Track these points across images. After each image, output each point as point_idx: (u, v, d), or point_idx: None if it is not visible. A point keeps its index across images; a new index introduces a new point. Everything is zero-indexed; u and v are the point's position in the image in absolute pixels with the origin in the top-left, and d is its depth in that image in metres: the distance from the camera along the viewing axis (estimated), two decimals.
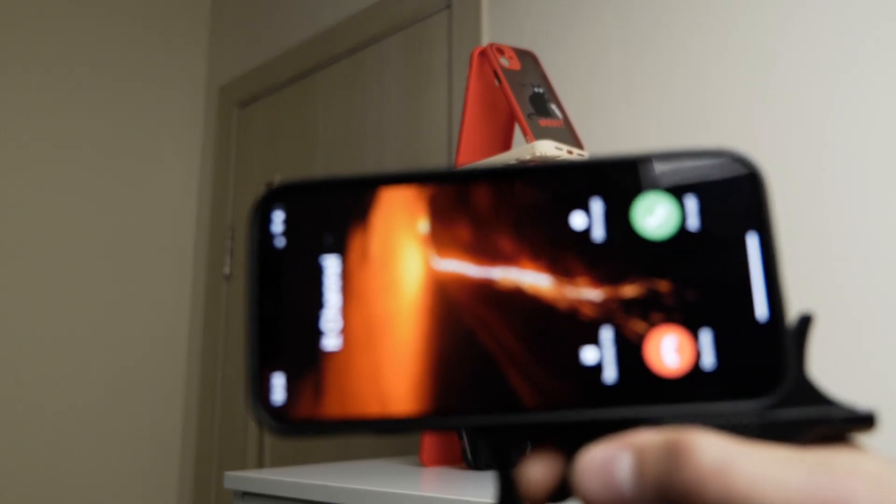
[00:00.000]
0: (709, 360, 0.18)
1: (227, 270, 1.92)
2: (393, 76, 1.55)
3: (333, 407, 0.19)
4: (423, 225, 0.19)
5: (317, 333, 0.19)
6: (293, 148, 1.79)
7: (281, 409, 0.19)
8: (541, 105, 0.86)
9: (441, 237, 0.19)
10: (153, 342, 1.91)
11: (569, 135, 0.86)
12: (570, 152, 0.82)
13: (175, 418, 1.93)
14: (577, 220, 0.19)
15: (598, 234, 0.19)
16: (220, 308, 1.91)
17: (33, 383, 1.69)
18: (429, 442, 0.86)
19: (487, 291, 0.19)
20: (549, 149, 0.80)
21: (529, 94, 0.87)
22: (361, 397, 0.18)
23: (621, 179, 0.19)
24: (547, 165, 0.19)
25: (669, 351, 0.18)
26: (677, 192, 0.19)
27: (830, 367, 0.88)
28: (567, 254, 0.19)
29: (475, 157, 0.92)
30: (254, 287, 0.20)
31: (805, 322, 0.19)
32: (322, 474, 0.75)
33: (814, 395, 0.19)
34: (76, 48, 1.86)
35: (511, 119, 0.97)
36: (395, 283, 0.19)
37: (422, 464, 0.86)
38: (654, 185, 0.19)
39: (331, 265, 0.19)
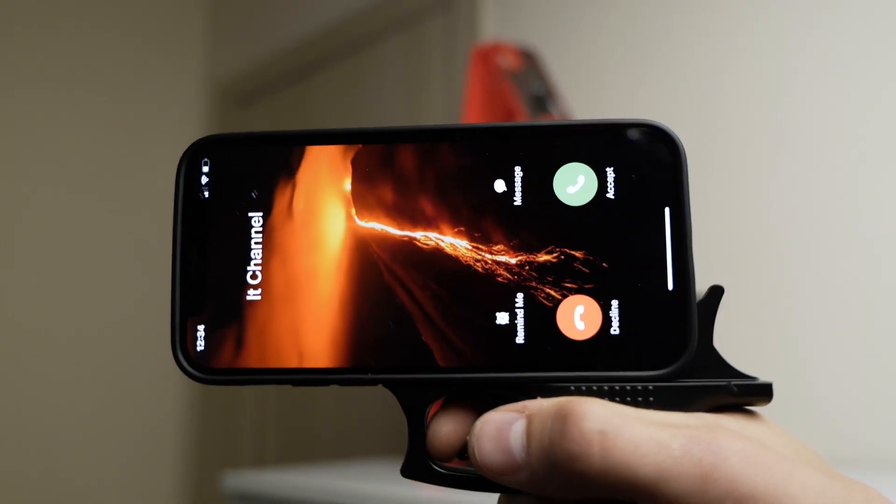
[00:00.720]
0: (615, 329, 0.18)
1: None
2: (393, 76, 1.55)
3: (252, 358, 0.19)
4: (347, 184, 0.19)
5: (239, 286, 0.19)
6: None
7: (201, 358, 0.19)
8: (541, 104, 0.86)
9: (365, 196, 0.19)
10: (152, 342, 1.91)
11: None
12: None
13: (174, 418, 1.93)
14: (499, 186, 0.19)
15: (519, 201, 0.19)
16: None
17: (33, 383, 1.69)
18: None
19: (407, 251, 0.19)
20: None
21: (530, 94, 0.86)
22: (280, 350, 0.19)
23: (545, 147, 0.19)
24: (473, 127, 0.19)
25: (578, 319, 0.18)
26: (599, 162, 0.19)
27: (832, 367, 0.88)
28: (487, 219, 0.19)
29: None
30: (178, 237, 0.20)
31: (714, 294, 0.20)
32: (321, 474, 0.75)
33: (717, 366, 0.19)
34: (76, 48, 1.85)
35: (511, 118, 0.96)
36: (317, 239, 0.19)
37: None
38: (578, 156, 0.19)
39: (255, 219, 0.19)
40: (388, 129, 0.20)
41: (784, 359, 0.92)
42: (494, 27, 1.35)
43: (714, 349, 0.19)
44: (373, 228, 0.19)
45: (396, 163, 0.19)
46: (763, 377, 0.19)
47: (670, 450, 0.16)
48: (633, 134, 0.19)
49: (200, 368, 0.19)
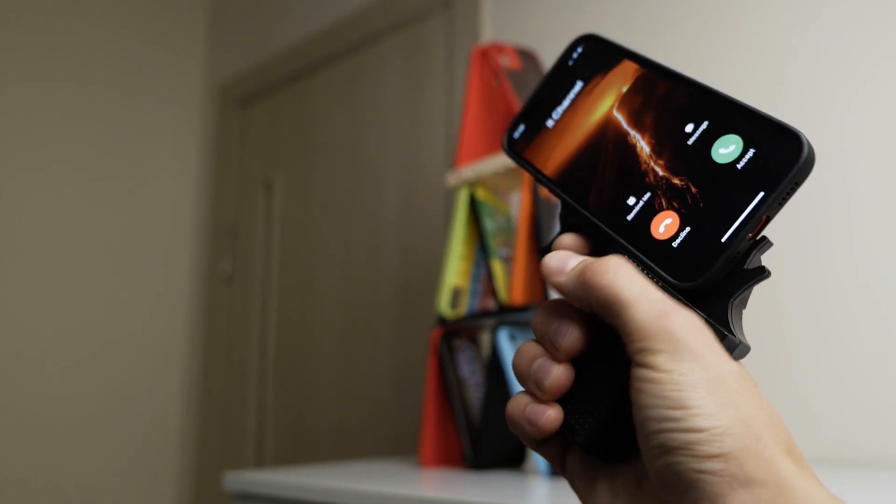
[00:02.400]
0: (675, 243, 0.26)
1: (227, 271, 1.92)
2: (392, 76, 1.55)
3: (530, 153, 0.31)
4: (624, 87, 0.30)
5: (548, 114, 0.31)
6: (293, 148, 1.79)
7: (514, 141, 0.32)
8: None
9: (625, 98, 0.29)
10: (153, 343, 1.91)
11: None
12: None
13: (175, 418, 1.93)
14: (688, 128, 0.27)
15: (690, 141, 0.26)
16: (219, 308, 1.91)
17: (32, 384, 1.69)
18: (428, 442, 0.86)
19: (622, 137, 0.28)
20: None
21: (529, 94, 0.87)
22: (542, 157, 0.31)
23: (729, 117, 0.26)
24: (698, 87, 0.28)
25: (663, 226, 0.26)
26: (750, 143, 0.25)
27: (835, 365, 0.88)
28: (668, 141, 0.27)
29: (475, 156, 0.92)
30: (545, 77, 0.33)
31: (757, 272, 0.25)
32: (322, 475, 0.75)
33: (720, 316, 0.25)
34: (75, 48, 1.85)
35: (511, 117, 0.96)
36: (592, 109, 0.30)
37: (421, 464, 0.86)
38: (741, 131, 0.26)
39: (577, 84, 0.31)
40: (661, 67, 0.29)
41: (779, 358, 0.92)
42: (494, 27, 1.35)
43: (727, 304, 0.25)
44: (616, 117, 0.29)
45: (653, 87, 0.29)
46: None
47: (650, 296, 0.25)
48: (783, 133, 0.25)
49: (510, 146, 0.32)
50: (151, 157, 1.97)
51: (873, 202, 0.88)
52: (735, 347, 0.25)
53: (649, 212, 0.26)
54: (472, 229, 0.89)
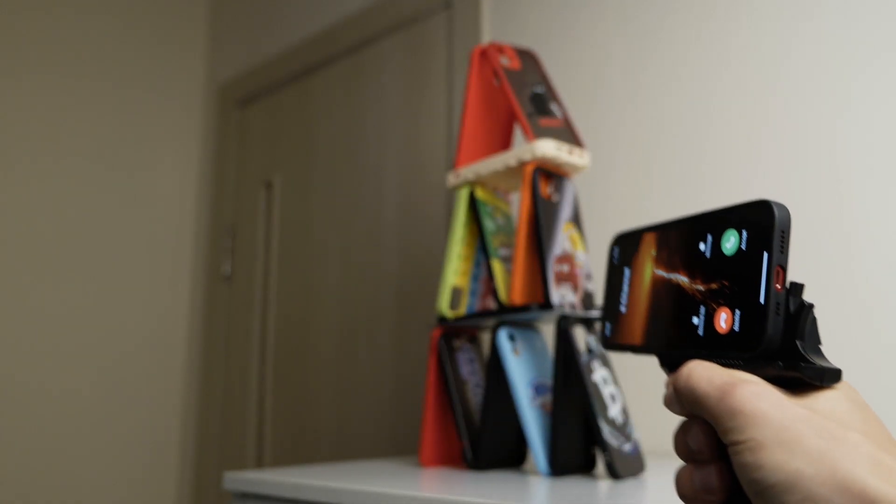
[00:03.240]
0: (737, 327, 0.30)
1: (227, 271, 1.92)
2: (393, 76, 1.55)
3: (620, 338, 0.37)
4: (653, 251, 0.37)
5: (619, 304, 0.38)
6: (293, 148, 1.79)
7: (608, 337, 0.38)
8: (541, 104, 0.86)
9: (657, 258, 0.36)
10: (153, 343, 1.91)
11: (569, 134, 0.86)
12: (570, 152, 0.82)
13: (175, 419, 1.93)
14: (701, 247, 0.34)
15: (707, 254, 0.33)
16: (219, 308, 1.91)
17: (33, 384, 1.69)
18: (428, 442, 0.86)
19: (666, 283, 0.35)
20: (549, 148, 0.79)
21: (530, 94, 0.86)
22: (628, 335, 0.37)
23: (719, 223, 0.33)
24: (692, 218, 0.34)
25: (722, 322, 0.31)
26: (740, 228, 0.32)
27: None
28: (694, 265, 0.34)
29: (476, 156, 0.91)
30: (606, 282, 0.40)
31: (801, 308, 0.30)
32: (322, 474, 0.75)
33: (793, 355, 0.29)
34: (75, 48, 1.85)
35: (511, 119, 0.96)
36: (642, 280, 0.37)
37: (422, 464, 0.86)
38: (731, 225, 0.32)
39: (626, 271, 0.38)
40: (667, 223, 0.36)
41: None
42: (494, 27, 1.35)
43: (795, 345, 0.29)
44: (658, 273, 0.36)
45: (667, 240, 0.36)
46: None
47: (714, 382, 0.29)
48: (756, 207, 0.31)
49: (605, 342, 0.38)
50: (151, 157, 1.97)
51: (868, 204, 0.88)
52: (819, 375, 0.30)
53: (709, 319, 0.32)
54: (471, 229, 0.89)
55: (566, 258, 0.79)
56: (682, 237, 0.35)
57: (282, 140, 1.83)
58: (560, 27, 1.24)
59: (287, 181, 1.79)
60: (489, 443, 0.80)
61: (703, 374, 0.30)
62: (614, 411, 0.74)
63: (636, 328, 0.37)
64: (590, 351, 0.76)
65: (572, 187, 0.85)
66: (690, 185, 1.05)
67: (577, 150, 0.83)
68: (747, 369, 0.30)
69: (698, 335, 0.32)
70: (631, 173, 1.12)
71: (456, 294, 0.87)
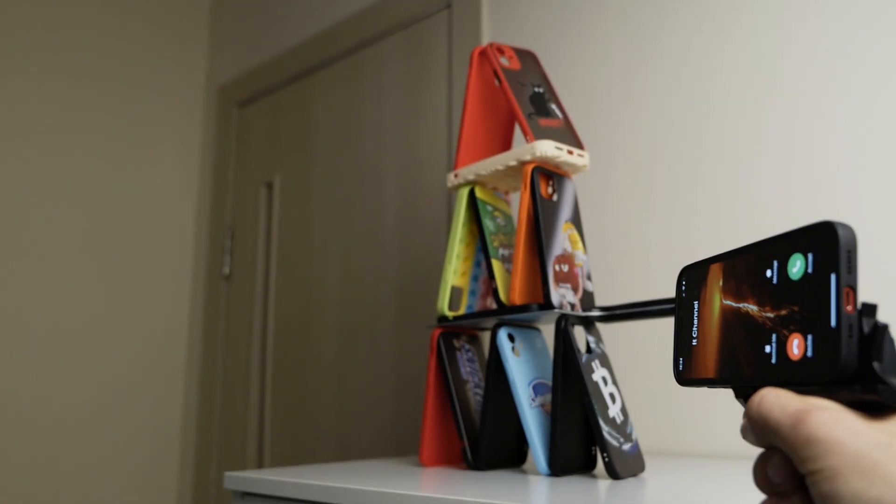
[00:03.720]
0: (810, 353, 0.30)
1: (226, 270, 1.92)
2: (393, 76, 1.55)
3: (694, 372, 0.37)
4: (720, 282, 0.36)
5: (690, 338, 0.37)
6: (293, 148, 1.79)
7: (681, 372, 0.38)
8: (541, 105, 0.86)
9: (724, 288, 0.36)
10: (153, 342, 1.91)
11: (569, 135, 0.86)
12: (570, 152, 0.82)
13: (175, 418, 1.93)
14: (767, 273, 0.33)
15: (775, 280, 0.33)
16: (219, 308, 1.91)
17: (33, 384, 1.69)
18: (428, 442, 0.86)
19: (736, 313, 0.34)
20: (548, 148, 0.80)
21: (530, 94, 0.86)
22: (701, 368, 0.36)
23: (785, 248, 0.32)
24: (756, 245, 0.34)
25: (795, 348, 0.31)
26: (805, 251, 0.31)
27: None
28: (763, 292, 0.33)
29: (475, 156, 0.92)
30: (676, 317, 0.39)
31: (874, 329, 0.29)
32: (322, 474, 0.75)
33: (871, 378, 0.28)
34: (76, 49, 1.85)
35: (511, 119, 0.96)
36: (711, 311, 0.36)
37: (422, 464, 0.86)
38: (796, 249, 0.32)
39: (695, 304, 0.38)
40: (731, 251, 0.36)
41: None
42: (494, 27, 1.35)
43: (872, 367, 0.28)
44: (727, 303, 0.35)
45: (733, 270, 0.35)
46: None
47: (787, 410, 0.29)
48: (819, 228, 0.30)
49: (680, 377, 0.38)
50: (152, 157, 1.97)
51: (866, 203, 0.88)
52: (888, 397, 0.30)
53: (781, 347, 0.31)
54: (471, 229, 0.89)
55: (566, 258, 0.79)
56: (748, 265, 0.34)
57: (282, 140, 1.83)
58: (560, 27, 1.24)
59: (287, 181, 1.79)
60: (489, 443, 0.80)
61: (776, 401, 0.30)
62: (614, 411, 0.74)
63: (709, 361, 0.36)
64: (589, 351, 0.76)
65: (572, 187, 0.85)
66: (690, 185, 1.05)
67: (576, 151, 0.83)
68: (824, 395, 0.30)
69: (771, 363, 0.32)
70: (630, 173, 1.12)
71: (456, 294, 0.87)
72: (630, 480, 0.69)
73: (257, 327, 1.80)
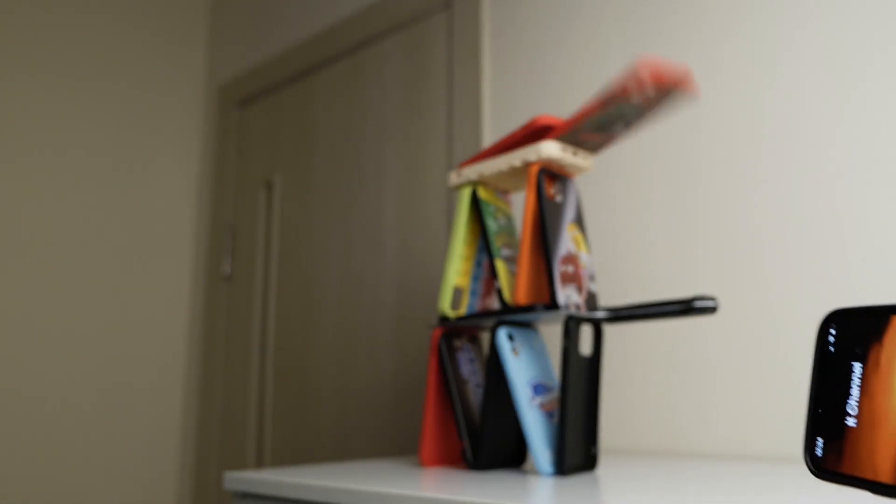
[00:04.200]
0: None
1: (227, 270, 1.92)
2: (393, 76, 1.55)
3: (847, 466, 0.26)
4: None
5: (844, 414, 0.27)
6: (293, 148, 1.79)
7: (818, 460, 0.27)
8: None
9: None
10: (153, 342, 1.91)
11: (573, 135, 0.86)
12: (574, 153, 0.82)
13: (175, 418, 1.93)
14: None
15: None
16: (220, 308, 1.91)
17: (33, 383, 1.69)
18: (429, 442, 0.86)
19: None
20: (553, 150, 0.79)
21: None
22: (863, 464, 0.26)
23: None
24: None
25: None
26: None
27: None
28: None
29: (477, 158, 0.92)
30: (814, 378, 0.29)
31: None
32: (322, 474, 0.75)
33: None
34: (76, 48, 1.85)
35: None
36: (893, 387, 0.25)
37: (422, 464, 0.86)
38: None
39: (857, 367, 0.27)
40: None
41: (777, 365, 0.92)
42: (494, 27, 1.35)
43: None
44: None
45: None
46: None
47: None
48: None
49: (818, 468, 0.27)
50: (152, 157, 1.97)
51: (864, 204, 0.88)
52: None
53: None
54: (472, 229, 0.89)
55: (570, 259, 0.79)
56: None
57: (282, 140, 1.83)
58: (560, 27, 1.24)
59: (287, 181, 1.79)
60: (489, 443, 0.80)
61: None
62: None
63: (882, 458, 0.25)
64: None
65: (575, 188, 0.85)
66: (689, 185, 1.05)
67: (580, 152, 0.83)
68: None
69: None
70: (629, 173, 1.12)
71: (457, 294, 0.87)
72: (631, 480, 0.69)
73: (257, 327, 1.80)
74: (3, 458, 1.63)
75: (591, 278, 0.82)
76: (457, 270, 0.86)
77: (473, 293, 0.89)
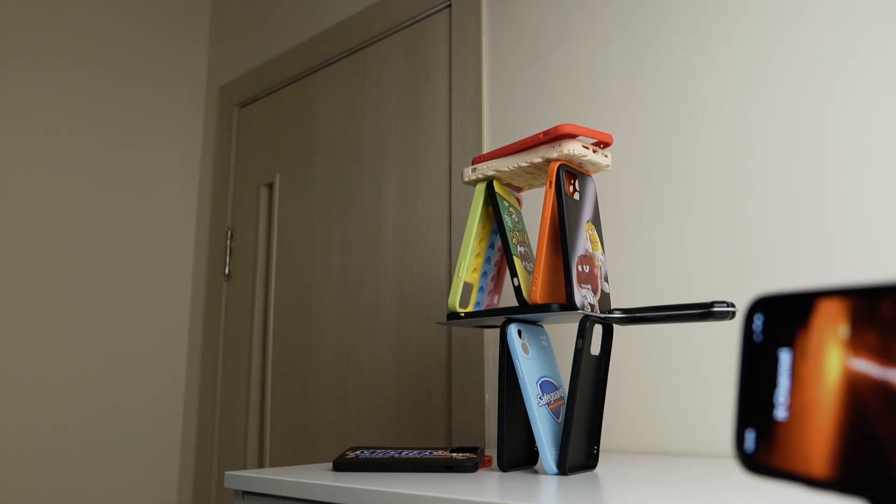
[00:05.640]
0: None
1: (226, 270, 1.92)
2: (393, 76, 1.55)
3: (778, 460, 0.25)
4: (843, 330, 0.24)
5: (771, 405, 0.26)
6: (293, 148, 1.79)
7: (750, 455, 0.26)
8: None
9: (854, 340, 0.24)
10: (153, 342, 1.91)
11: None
12: (594, 150, 0.80)
13: (175, 419, 1.93)
14: None
15: None
16: (220, 308, 1.91)
17: (34, 383, 1.69)
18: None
19: (885, 388, 0.23)
20: (576, 147, 0.78)
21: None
22: (795, 457, 0.25)
23: None
24: None
25: None
26: None
27: None
28: None
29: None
30: (740, 368, 0.27)
31: None
32: (322, 474, 0.75)
33: None
34: (77, 48, 1.85)
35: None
36: (821, 373, 0.24)
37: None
38: None
39: (784, 357, 0.26)
40: (873, 286, 0.23)
41: None
42: (493, 27, 1.35)
43: None
44: (860, 369, 0.23)
45: (873, 314, 0.23)
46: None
47: None
48: None
49: (748, 463, 0.26)
50: (152, 157, 1.97)
51: (863, 202, 0.88)
52: None
53: None
54: (485, 225, 0.88)
55: (587, 259, 0.77)
56: None
57: (282, 140, 1.83)
58: (559, 27, 1.24)
59: (287, 181, 1.79)
60: (510, 444, 0.78)
61: None
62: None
63: (813, 449, 0.24)
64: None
65: (593, 186, 0.83)
66: (688, 185, 1.05)
67: (600, 150, 0.81)
68: None
69: None
70: (628, 173, 1.12)
71: (466, 290, 0.85)
72: (633, 480, 0.69)
73: (257, 327, 1.80)
74: (3, 456, 1.63)
75: (605, 279, 0.81)
76: (468, 267, 0.85)
77: (482, 290, 0.88)
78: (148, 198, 1.95)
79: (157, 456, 1.88)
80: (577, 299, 0.73)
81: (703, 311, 0.69)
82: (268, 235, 1.84)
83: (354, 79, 1.65)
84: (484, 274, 0.88)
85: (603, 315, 0.76)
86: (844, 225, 0.90)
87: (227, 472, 0.79)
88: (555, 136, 0.78)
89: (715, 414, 0.97)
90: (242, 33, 2.02)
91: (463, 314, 0.83)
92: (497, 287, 0.90)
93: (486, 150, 1.32)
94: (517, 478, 0.71)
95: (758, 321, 0.27)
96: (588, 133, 0.79)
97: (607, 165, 0.81)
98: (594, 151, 0.79)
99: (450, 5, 1.44)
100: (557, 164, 0.78)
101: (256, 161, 1.90)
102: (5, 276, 1.68)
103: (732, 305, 0.70)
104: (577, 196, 0.79)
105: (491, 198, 0.85)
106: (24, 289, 1.70)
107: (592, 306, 0.76)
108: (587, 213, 0.80)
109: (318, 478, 0.71)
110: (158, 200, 1.97)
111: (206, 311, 1.95)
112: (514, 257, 0.80)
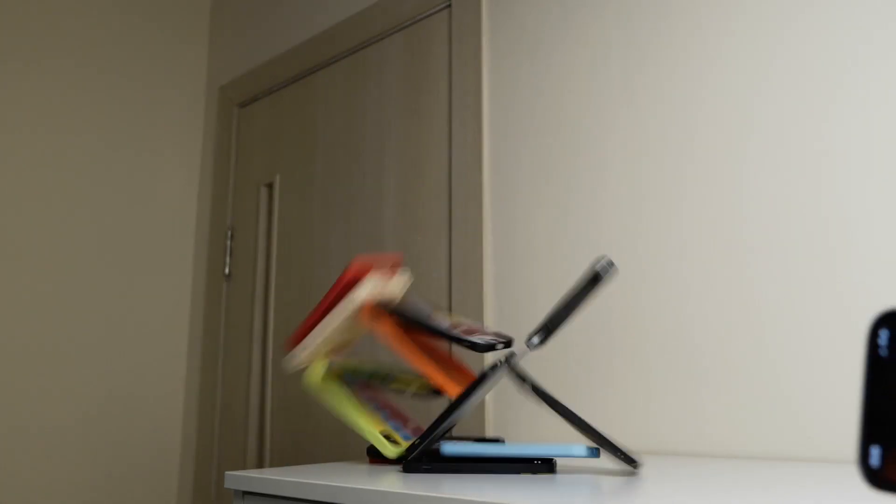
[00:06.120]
0: None
1: (226, 270, 1.92)
2: (393, 76, 1.55)
3: None
4: None
5: None
6: (293, 148, 1.79)
7: (875, 471, 0.26)
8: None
9: None
10: (154, 342, 1.91)
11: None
12: (384, 283, 0.86)
13: (175, 419, 1.93)
14: None
15: None
16: (220, 308, 1.91)
17: (34, 383, 1.69)
18: None
19: None
20: (363, 293, 0.83)
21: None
22: None
23: None
24: None
25: None
26: None
27: (833, 374, 0.88)
28: None
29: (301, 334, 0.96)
30: (865, 383, 0.27)
31: None
32: (322, 474, 0.75)
33: None
34: (77, 48, 1.85)
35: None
36: None
37: None
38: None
39: None
40: None
41: (762, 359, 0.92)
42: (492, 27, 1.35)
43: None
44: None
45: None
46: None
47: None
48: None
49: (874, 478, 0.26)
50: (152, 157, 1.97)
51: (858, 202, 0.88)
52: None
53: None
54: (356, 396, 0.90)
55: (457, 324, 0.83)
56: None
57: (282, 140, 1.83)
58: (559, 27, 1.24)
59: (287, 181, 1.79)
60: None
61: None
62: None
63: None
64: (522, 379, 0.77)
65: (409, 287, 0.91)
66: (688, 185, 1.05)
67: (392, 278, 0.87)
68: None
69: None
70: (627, 173, 1.12)
71: (389, 438, 0.86)
72: (635, 479, 0.69)
73: (257, 327, 1.80)
74: (6, 453, 1.63)
75: (488, 328, 0.86)
76: (371, 431, 0.85)
77: (398, 429, 0.89)
78: (148, 198, 1.95)
79: (157, 456, 1.88)
80: (478, 340, 0.77)
81: (593, 278, 0.71)
82: (268, 235, 1.84)
83: (354, 79, 1.65)
84: (387, 419, 0.90)
85: (516, 349, 0.81)
86: (844, 225, 0.90)
87: (227, 473, 0.79)
88: (350, 284, 0.85)
89: (717, 414, 0.97)
90: (242, 33, 2.02)
91: (404, 454, 0.82)
92: (398, 413, 0.93)
93: (485, 149, 1.32)
94: (507, 478, 0.71)
95: (883, 336, 0.27)
96: (376, 266, 0.86)
97: (405, 287, 0.89)
98: (384, 285, 0.85)
99: (450, 5, 1.44)
100: (367, 309, 0.83)
101: (256, 161, 1.90)
102: (5, 276, 1.68)
103: (609, 260, 0.73)
104: (407, 308, 0.83)
105: (342, 378, 0.90)
106: (24, 289, 1.70)
107: (496, 340, 0.80)
108: (426, 309, 0.86)
109: (318, 478, 0.71)
110: (158, 200, 1.97)
111: (206, 311, 1.95)
112: (414, 379, 0.88)
